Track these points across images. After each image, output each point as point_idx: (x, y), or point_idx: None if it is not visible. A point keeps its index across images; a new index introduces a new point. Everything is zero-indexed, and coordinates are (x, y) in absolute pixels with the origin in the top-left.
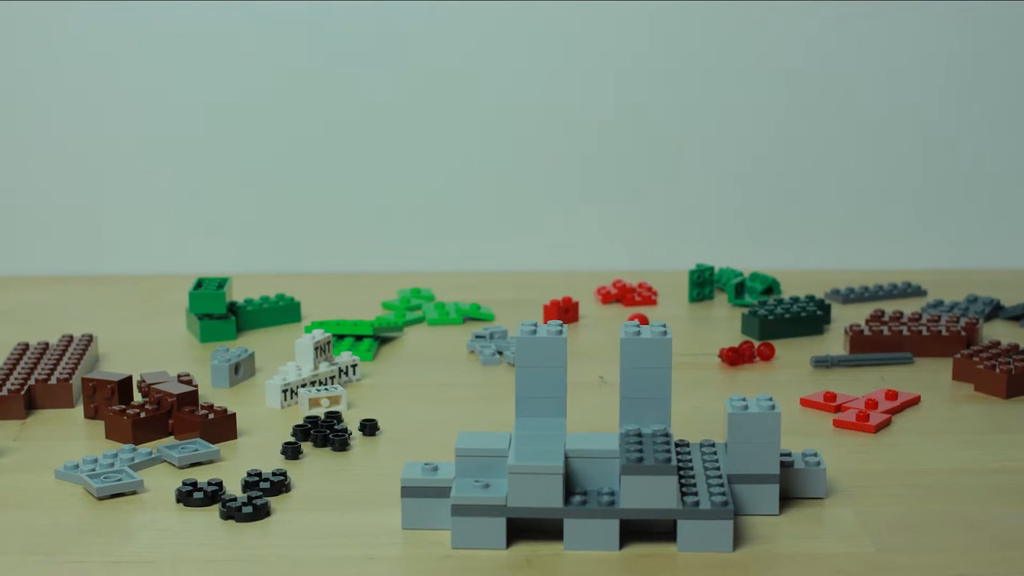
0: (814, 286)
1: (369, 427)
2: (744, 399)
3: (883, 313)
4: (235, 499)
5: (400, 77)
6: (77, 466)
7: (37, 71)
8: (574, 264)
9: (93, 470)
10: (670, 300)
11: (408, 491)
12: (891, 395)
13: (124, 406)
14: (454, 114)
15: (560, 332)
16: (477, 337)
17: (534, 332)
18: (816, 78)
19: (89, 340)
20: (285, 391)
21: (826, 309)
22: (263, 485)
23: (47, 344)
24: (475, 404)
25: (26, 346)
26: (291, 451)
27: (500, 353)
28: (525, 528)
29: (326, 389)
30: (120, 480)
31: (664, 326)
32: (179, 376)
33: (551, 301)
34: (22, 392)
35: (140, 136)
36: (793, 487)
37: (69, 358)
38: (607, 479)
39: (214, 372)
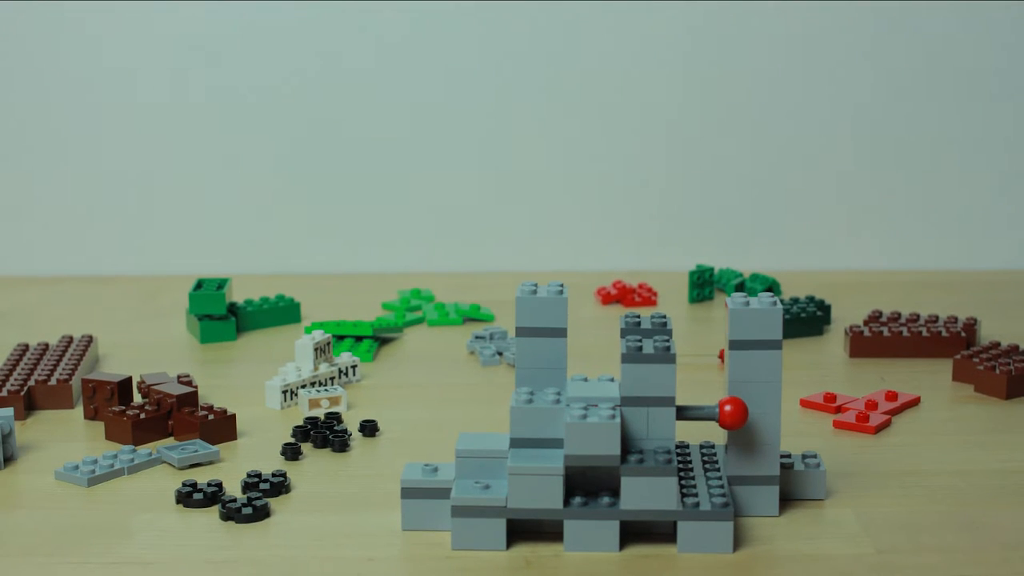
0: (814, 286)
1: (369, 428)
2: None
3: (881, 314)
4: (235, 500)
5: (399, 77)
6: (77, 467)
7: (36, 70)
8: (574, 264)
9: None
10: (670, 300)
11: (408, 492)
12: (891, 396)
13: (124, 407)
14: (454, 114)
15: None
16: (477, 338)
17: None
18: (816, 78)
19: (89, 341)
20: (285, 392)
21: (826, 310)
22: (263, 486)
23: (47, 345)
24: (475, 404)
25: (26, 347)
26: (291, 452)
27: (500, 354)
28: (525, 529)
29: (326, 390)
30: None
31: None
32: (179, 377)
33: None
34: (22, 393)
35: (140, 136)
36: (793, 489)
37: (69, 359)
38: (608, 479)
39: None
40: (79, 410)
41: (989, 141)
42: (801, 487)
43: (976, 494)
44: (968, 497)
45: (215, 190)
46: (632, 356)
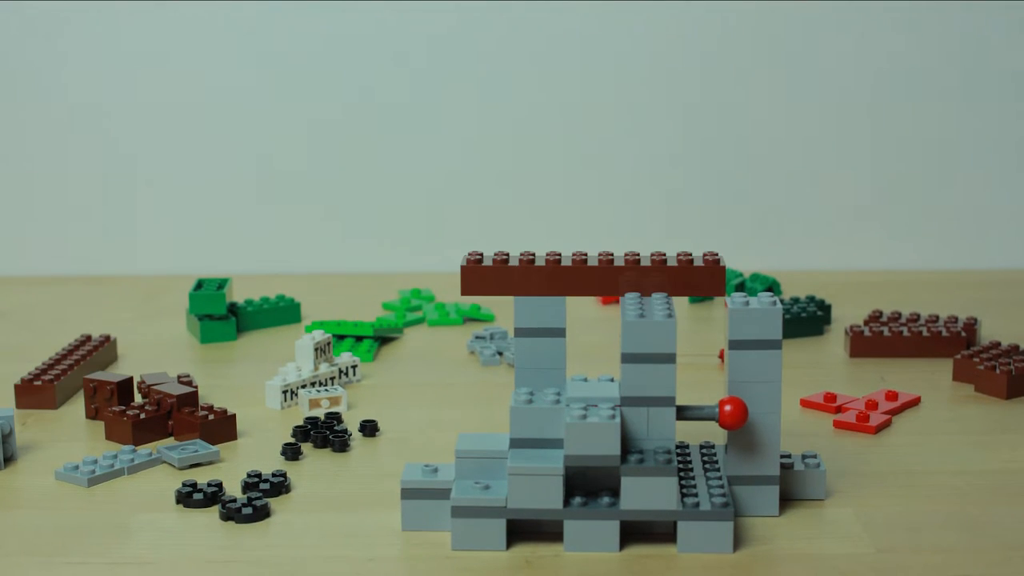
0: (814, 286)
1: (369, 428)
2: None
3: (881, 313)
4: (235, 500)
5: (400, 76)
6: (77, 467)
7: (36, 71)
8: None
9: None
10: None
11: (408, 493)
12: (891, 396)
13: (124, 407)
14: (455, 114)
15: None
16: (477, 338)
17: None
18: (816, 79)
19: (104, 340)
20: (285, 392)
21: (826, 309)
22: (263, 486)
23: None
24: (475, 404)
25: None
26: (291, 452)
27: (500, 354)
28: (525, 529)
29: (326, 390)
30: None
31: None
32: (179, 377)
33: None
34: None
35: (140, 136)
36: (793, 488)
37: (75, 359)
38: (608, 479)
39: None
40: (80, 409)
41: (989, 141)
42: (801, 487)
43: (976, 494)
44: (968, 497)
45: (215, 190)
46: (631, 356)
